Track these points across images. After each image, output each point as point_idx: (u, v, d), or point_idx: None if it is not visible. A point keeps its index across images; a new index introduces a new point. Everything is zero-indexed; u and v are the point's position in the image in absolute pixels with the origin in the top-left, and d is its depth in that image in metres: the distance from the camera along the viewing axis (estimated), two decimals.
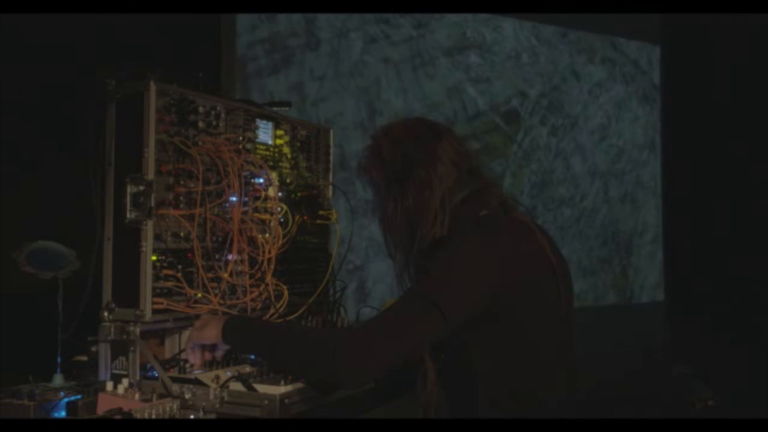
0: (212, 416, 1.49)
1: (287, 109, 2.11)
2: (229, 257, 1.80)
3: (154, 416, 1.37)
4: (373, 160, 1.66)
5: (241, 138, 1.89)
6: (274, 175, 1.97)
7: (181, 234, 1.72)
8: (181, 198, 1.70)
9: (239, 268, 1.83)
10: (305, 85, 3.92)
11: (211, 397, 1.50)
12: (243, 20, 3.64)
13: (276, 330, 1.62)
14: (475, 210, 1.60)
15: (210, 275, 1.76)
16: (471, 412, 1.53)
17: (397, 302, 1.48)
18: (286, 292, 1.92)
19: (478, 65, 4.58)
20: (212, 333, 1.60)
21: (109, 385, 1.49)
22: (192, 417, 1.47)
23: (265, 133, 1.99)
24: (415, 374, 1.63)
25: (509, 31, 4.68)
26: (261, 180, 1.91)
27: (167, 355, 1.78)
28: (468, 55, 4.54)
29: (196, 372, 1.61)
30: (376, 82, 4.21)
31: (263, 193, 1.91)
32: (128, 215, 1.64)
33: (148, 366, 1.63)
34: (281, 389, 1.48)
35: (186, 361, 1.65)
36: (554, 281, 1.56)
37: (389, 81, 4.25)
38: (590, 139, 5.05)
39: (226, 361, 1.69)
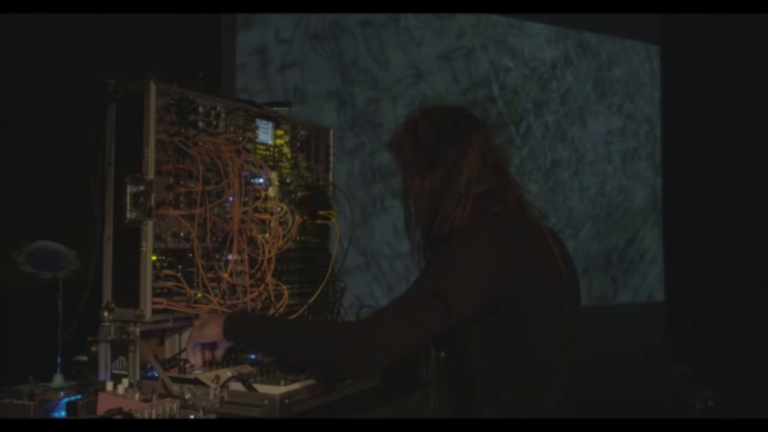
0: (212, 416, 1.49)
1: (287, 109, 2.11)
2: (229, 257, 1.80)
3: (154, 416, 1.36)
4: (407, 136, 1.68)
5: (241, 138, 1.89)
6: (274, 175, 1.97)
7: (181, 234, 1.72)
8: (181, 198, 1.71)
9: (239, 268, 1.83)
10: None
11: (211, 397, 1.49)
12: None
13: (278, 323, 1.64)
14: (490, 205, 1.61)
15: (210, 275, 1.76)
16: (471, 405, 1.55)
17: (402, 294, 1.50)
18: (286, 292, 1.92)
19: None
20: (213, 331, 1.60)
21: (109, 385, 1.49)
22: (192, 417, 1.47)
23: (265, 133, 1.99)
24: (413, 375, 1.64)
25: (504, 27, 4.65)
26: (261, 180, 1.91)
27: (167, 355, 1.78)
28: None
29: (196, 372, 1.61)
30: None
31: (263, 193, 1.91)
32: (128, 215, 1.64)
33: (148, 366, 1.62)
34: (281, 389, 1.48)
35: (186, 361, 1.65)
36: (559, 282, 1.57)
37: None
38: (589, 136, 5.04)
39: (226, 361, 1.69)
